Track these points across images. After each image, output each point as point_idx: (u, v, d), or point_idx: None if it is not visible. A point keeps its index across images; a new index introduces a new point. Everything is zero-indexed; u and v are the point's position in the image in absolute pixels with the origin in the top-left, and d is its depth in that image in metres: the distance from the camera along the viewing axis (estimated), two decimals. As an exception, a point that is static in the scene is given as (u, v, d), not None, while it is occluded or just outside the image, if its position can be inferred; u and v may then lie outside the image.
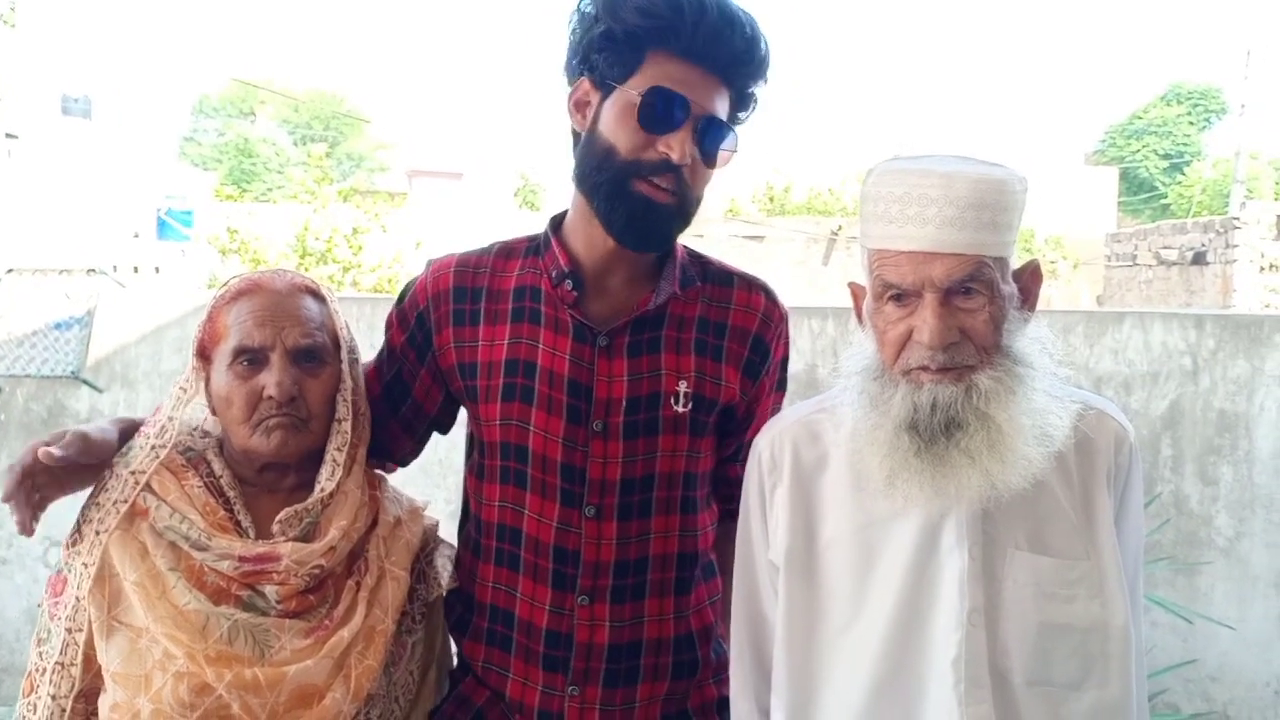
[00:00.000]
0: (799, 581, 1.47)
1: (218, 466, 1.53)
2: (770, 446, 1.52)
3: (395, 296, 1.71)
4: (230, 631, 1.41)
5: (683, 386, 1.58)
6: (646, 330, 1.59)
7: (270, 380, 1.48)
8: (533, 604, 1.56)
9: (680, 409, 1.58)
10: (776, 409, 1.75)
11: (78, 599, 1.44)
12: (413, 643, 1.59)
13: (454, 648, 1.72)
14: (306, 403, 1.51)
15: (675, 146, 1.47)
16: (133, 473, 1.47)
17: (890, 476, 1.36)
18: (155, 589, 1.41)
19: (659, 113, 1.47)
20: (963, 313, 1.32)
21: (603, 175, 1.50)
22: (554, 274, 1.58)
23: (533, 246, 1.64)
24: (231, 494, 1.51)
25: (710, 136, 1.51)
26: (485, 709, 1.61)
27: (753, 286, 1.69)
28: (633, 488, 1.56)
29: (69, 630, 1.44)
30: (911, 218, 1.32)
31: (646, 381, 1.57)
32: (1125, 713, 1.41)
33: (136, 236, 14.99)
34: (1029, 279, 1.41)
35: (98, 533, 1.45)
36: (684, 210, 1.53)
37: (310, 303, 1.55)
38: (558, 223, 1.64)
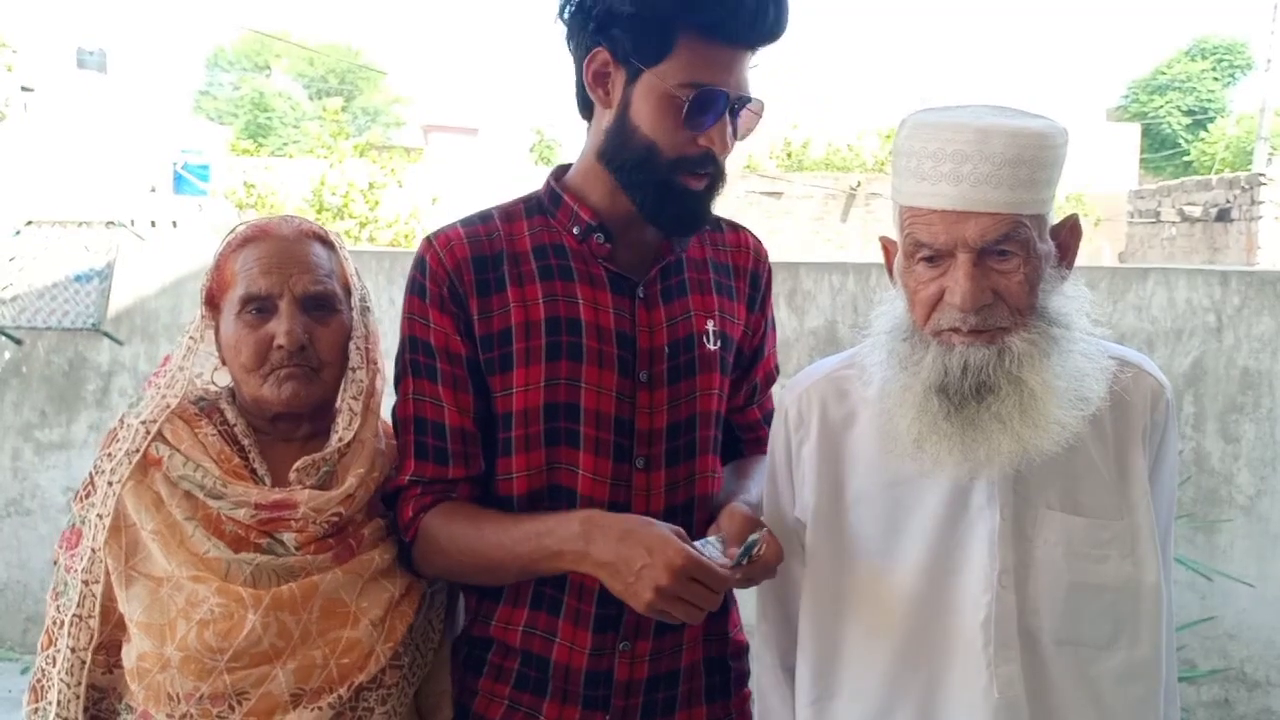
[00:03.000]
0: (825, 539, 1.46)
1: (231, 415, 1.52)
2: (798, 403, 1.51)
3: (414, 249, 1.65)
4: (254, 574, 1.41)
5: (711, 325, 1.60)
6: (673, 275, 1.60)
7: (280, 329, 1.46)
8: None
9: (712, 346, 1.60)
10: (775, 347, 1.79)
11: (93, 550, 1.44)
12: (432, 592, 1.59)
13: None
14: (317, 351, 1.49)
15: (718, 140, 1.46)
16: (143, 423, 1.47)
17: (919, 439, 1.34)
18: (174, 538, 1.42)
19: (704, 109, 1.45)
20: (996, 274, 1.28)
21: (646, 174, 1.48)
22: (578, 230, 1.55)
23: (533, 205, 1.60)
24: (246, 442, 1.50)
25: (738, 114, 1.50)
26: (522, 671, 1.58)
27: (735, 227, 1.74)
28: (678, 432, 1.56)
29: (85, 583, 1.44)
30: (945, 175, 1.27)
31: (681, 325, 1.58)
32: (1155, 672, 1.40)
33: (153, 190, 14.98)
34: (1068, 235, 1.37)
35: (110, 484, 1.45)
36: (717, 186, 1.54)
37: (319, 249, 1.53)
38: (559, 175, 1.61)
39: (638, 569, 1.33)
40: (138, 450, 1.45)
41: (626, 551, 1.35)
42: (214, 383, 1.57)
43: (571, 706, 1.55)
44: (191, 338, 1.52)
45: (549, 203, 1.58)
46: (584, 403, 1.51)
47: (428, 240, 1.56)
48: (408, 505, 1.53)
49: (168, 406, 1.48)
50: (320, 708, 1.41)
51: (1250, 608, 4.02)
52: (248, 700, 1.38)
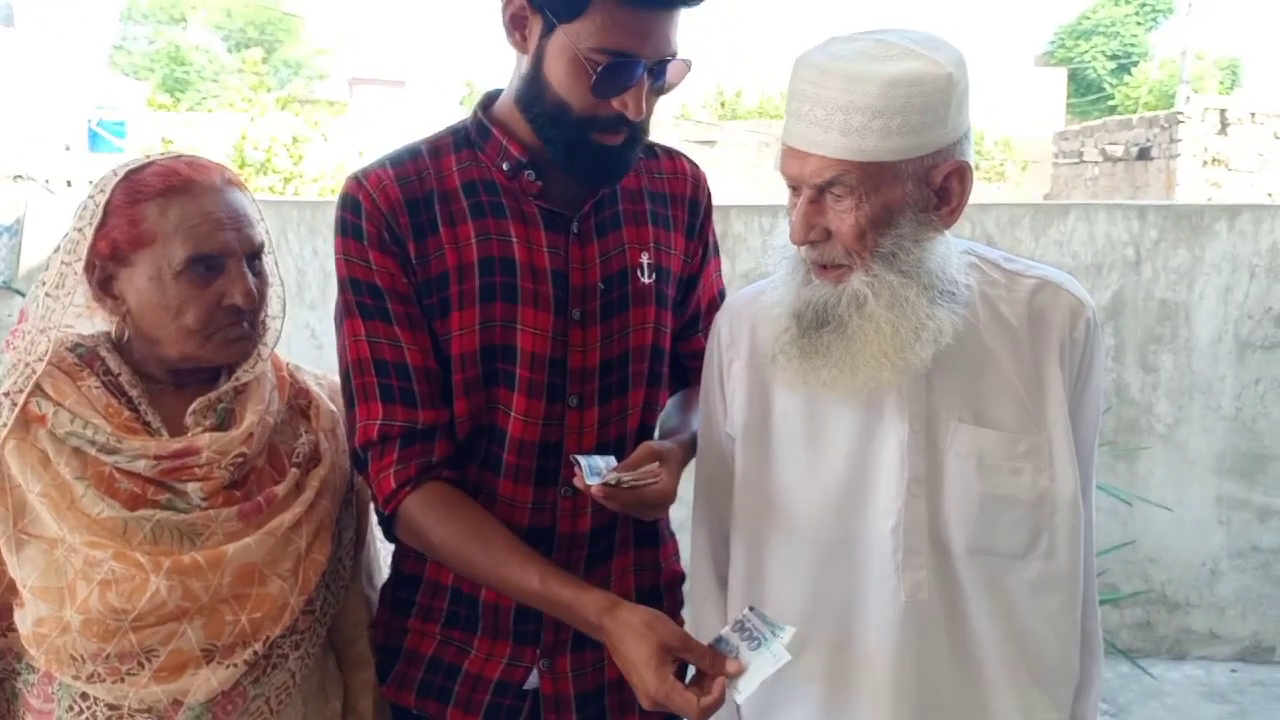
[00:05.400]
0: (754, 452, 1.48)
1: (113, 364, 1.43)
2: (729, 324, 1.54)
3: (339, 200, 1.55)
4: (154, 531, 1.35)
5: (645, 258, 1.57)
6: (606, 208, 1.56)
7: (236, 290, 1.40)
8: (513, 504, 1.52)
9: (646, 280, 1.57)
10: (719, 274, 1.76)
11: None
12: (340, 529, 1.56)
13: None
14: (259, 306, 1.45)
15: (631, 105, 1.41)
16: (6, 394, 1.37)
17: (774, 354, 1.41)
18: (64, 500, 1.33)
19: (614, 82, 1.39)
20: (833, 212, 1.31)
21: (558, 130, 1.44)
22: (507, 166, 1.50)
23: (461, 139, 1.54)
24: (134, 393, 1.42)
25: (660, 73, 1.44)
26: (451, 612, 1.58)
27: (672, 154, 1.70)
28: (611, 369, 1.54)
29: None
30: (792, 113, 1.31)
31: (615, 259, 1.55)
32: (1072, 584, 1.43)
33: (68, 149, 14.50)
34: (950, 178, 1.33)
35: None
36: (638, 139, 1.49)
37: (243, 197, 1.47)
38: (487, 105, 1.56)
39: (628, 682, 1.34)
40: (4, 425, 1.36)
41: (619, 665, 1.35)
42: (75, 330, 1.47)
43: (502, 641, 1.55)
44: (49, 293, 1.40)
45: (477, 136, 1.53)
46: (520, 344, 1.48)
47: (356, 180, 1.49)
48: (386, 476, 1.46)
49: (33, 374, 1.37)
50: (235, 664, 1.37)
51: (1169, 532, 4.16)
52: (157, 658, 1.34)
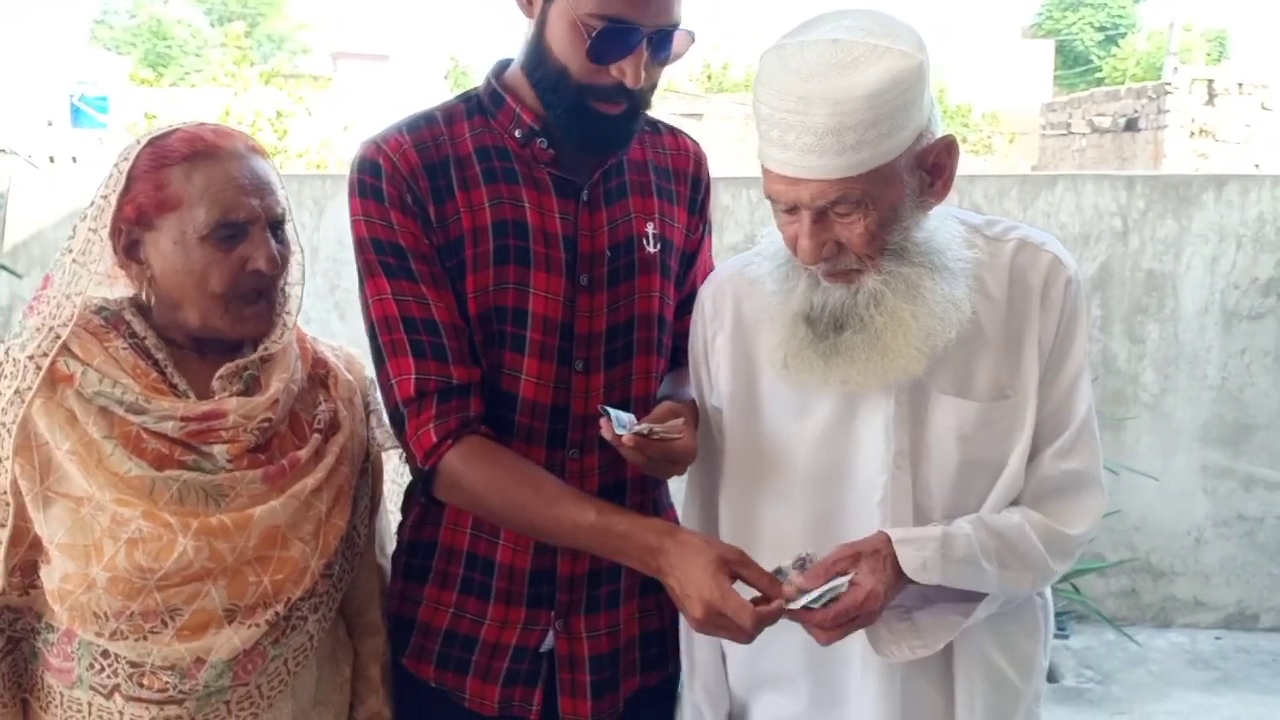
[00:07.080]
0: (740, 425, 1.50)
1: (139, 327, 1.45)
2: (713, 297, 1.54)
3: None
4: (181, 491, 1.37)
5: (650, 228, 1.60)
6: (614, 177, 1.59)
7: (260, 255, 1.40)
8: None
9: (651, 249, 1.60)
10: (710, 251, 1.78)
11: None
12: (358, 497, 1.58)
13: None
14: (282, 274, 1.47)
15: (629, 73, 1.43)
16: (31, 358, 1.38)
17: (786, 359, 1.40)
18: (91, 458, 1.35)
19: (610, 48, 1.41)
20: (840, 225, 1.31)
21: (558, 96, 1.47)
22: (519, 133, 1.53)
23: (473, 106, 1.57)
24: (159, 356, 1.44)
25: (662, 44, 1.46)
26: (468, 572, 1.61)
27: (675, 131, 1.73)
28: (616, 335, 1.57)
29: None
30: (774, 141, 1.29)
31: (622, 227, 1.58)
32: None
33: (50, 125, 14.35)
34: (940, 155, 1.34)
35: (2, 424, 1.38)
36: (639, 109, 1.52)
37: (265, 165, 1.47)
38: (499, 73, 1.58)
39: (681, 599, 1.38)
40: (30, 388, 1.37)
41: (673, 584, 1.38)
42: (98, 296, 1.48)
43: (516, 607, 1.58)
44: (75, 260, 1.41)
45: (489, 103, 1.56)
46: (532, 308, 1.51)
47: (375, 145, 1.51)
48: (426, 431, 1.48)
49: (58, 337, 1.38)
50: (257, 624, 1.40)
51: (1155, 501, 4.20)
52: (180, 616, 1.36)
